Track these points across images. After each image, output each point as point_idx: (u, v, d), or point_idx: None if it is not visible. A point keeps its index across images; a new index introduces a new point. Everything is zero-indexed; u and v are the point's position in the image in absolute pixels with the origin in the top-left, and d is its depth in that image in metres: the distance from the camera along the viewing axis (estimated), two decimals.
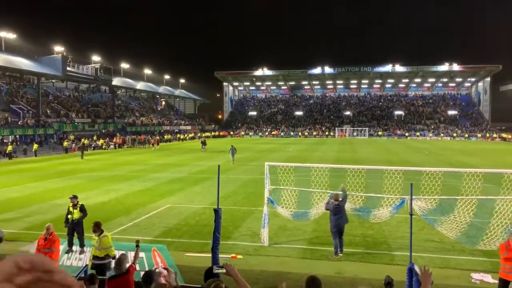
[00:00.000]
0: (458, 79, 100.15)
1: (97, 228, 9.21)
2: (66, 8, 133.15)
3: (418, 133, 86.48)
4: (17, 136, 47.59)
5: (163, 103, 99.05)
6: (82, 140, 51.74)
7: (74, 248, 10.53)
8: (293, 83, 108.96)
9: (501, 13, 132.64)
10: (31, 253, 9.65)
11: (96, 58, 67.40)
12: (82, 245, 10.51)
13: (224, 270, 4.03)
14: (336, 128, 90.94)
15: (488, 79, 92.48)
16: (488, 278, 9.49)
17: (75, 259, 10.35)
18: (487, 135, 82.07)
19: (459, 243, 11.31)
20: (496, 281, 8.54)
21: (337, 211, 11.09)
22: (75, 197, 11.49)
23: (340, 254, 11.01)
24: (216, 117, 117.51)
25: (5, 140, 46.36)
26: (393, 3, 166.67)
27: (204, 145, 48.80)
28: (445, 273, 9.77)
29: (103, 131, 63.34)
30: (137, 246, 7.90)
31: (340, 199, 11.30)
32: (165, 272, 6.56)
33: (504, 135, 79.07)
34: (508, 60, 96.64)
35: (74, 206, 11.18)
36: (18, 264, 0.94)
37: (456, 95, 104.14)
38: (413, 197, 8.47)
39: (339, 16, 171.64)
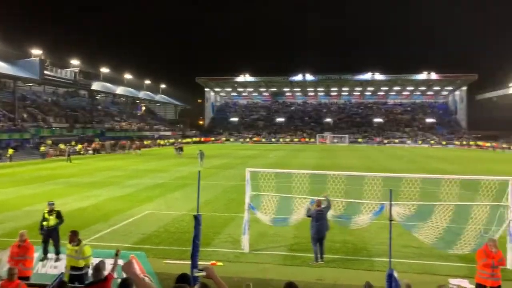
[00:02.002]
0: (436, 88, 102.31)
1: (75, 237, 8.93)
2: (44, 11, 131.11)
3: (396, 140, 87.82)
4: None
5: (143, 108, 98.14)
6: (60, 145, 51.05)
7: (49, 255, 10.25)
8: (274, 89, 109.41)
9: (478, 24, 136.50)
10: (3, 261, 9.35)
11: (75, 62, 66.49)
12: (57, 252, 10.22)
13: (204, 273, 4.00)
14: (317, 135, 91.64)
15: (465, 88, 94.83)
16: (466, 283, 9.60)
17: (50, 267, 10.06)
18: (464, 142, 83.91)
19: (436, 249, 11.46)
20: (473, 286, 8.67)
21: (319, 217, 11.10)
22: (52, 203, 11.21)
23: (320, 262, 11.01)
24: (197, 123, 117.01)
25: None
26: (373, 12, 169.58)
27: (181, 150, 48.95)
28: (423, 279, 9.86)
29: (82, 136, 62.35)
30: (117, 255, 7.72)
31: (323, 206, 11.34)
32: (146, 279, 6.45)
33: (480, 142, 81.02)
34: (484, 70, 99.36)
35: (50, 212, 10.89)
36: None
37: (434, 103, 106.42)
38: (392, 203, 8.55)
39: (320, 24, 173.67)
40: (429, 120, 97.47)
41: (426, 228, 11.31)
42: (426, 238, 11.02)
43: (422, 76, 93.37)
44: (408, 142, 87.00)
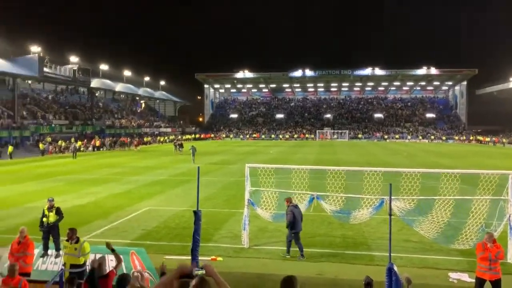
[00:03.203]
0: (436, 83, 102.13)
1: (74, 234, 8.92)
2: (43, 7, 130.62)
3: (397, 136, 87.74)
4: None
5: (143, 105, 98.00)
6: (59, 142, 51.29)
7: (49, 252, 10.27)
8: (274, 85, 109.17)
9: (478, 18, 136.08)
10: (4, 257, 9.36)
11: (74, 59, 66.22)
12: (58, 248, 10.24)
13: (203, 271, 3.98)
14: (317, 131, 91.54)
15: (465, 82, 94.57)
16: (465, 277, 9.63)
17: (50, 263, 10.08)
18: (464, 137, 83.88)
19: (436, 243, 11.46)
20: (473, 280, 8.66)
21: (296, 212, 11.14)
22: (51, 199, 11.22)
23: (302, 258, 11.04)
24: (197, 119, 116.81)
25: None
26: (374, 7, 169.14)
27: (181, 147, 48.99)
28: (424, 273, 9.87)
29: (83, 133, 62.40)
30: (113, 250, 7.44)
31: (293, 201, 11.40)
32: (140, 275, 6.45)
33: (480, 137, 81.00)
34: (484, 64, 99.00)
35: (50, 209, 10.91)
36: None
37: (434, 98, 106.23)
38: (392, 197, 8.54)
39: (320, 19, 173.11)
40: (429, 115, 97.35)
41: (426, 223, 11.31)
42: (427, 233, 11.02)
43: (422, 71, 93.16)
44: (409, 137, 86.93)
